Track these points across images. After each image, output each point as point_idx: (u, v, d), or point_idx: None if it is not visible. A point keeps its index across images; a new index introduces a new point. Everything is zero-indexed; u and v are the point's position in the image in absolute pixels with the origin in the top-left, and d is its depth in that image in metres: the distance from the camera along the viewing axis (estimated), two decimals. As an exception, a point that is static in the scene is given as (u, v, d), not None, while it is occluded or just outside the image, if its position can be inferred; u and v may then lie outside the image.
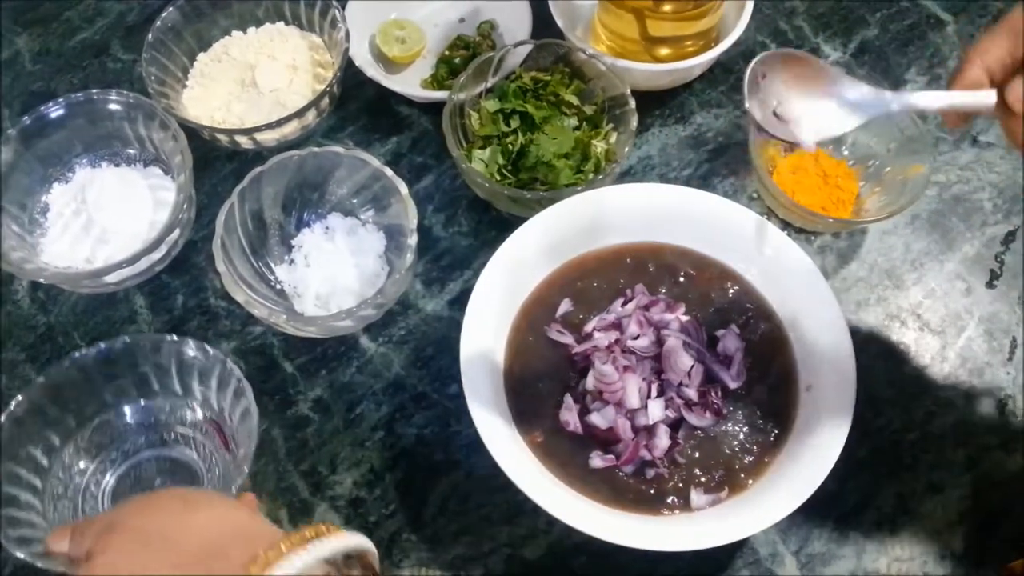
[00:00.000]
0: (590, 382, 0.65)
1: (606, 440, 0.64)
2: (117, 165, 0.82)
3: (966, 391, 0.72)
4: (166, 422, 0.71)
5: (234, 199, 0.70)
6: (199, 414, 0.71)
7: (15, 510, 0.63)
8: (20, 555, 0.59)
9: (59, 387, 0.66)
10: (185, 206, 0.75)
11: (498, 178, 0.75)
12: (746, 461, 0.64)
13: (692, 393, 0.65)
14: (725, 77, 0.87)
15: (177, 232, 0.76)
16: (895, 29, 0.90)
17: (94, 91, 0.79)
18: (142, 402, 0.70)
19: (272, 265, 0.76)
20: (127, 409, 0.70)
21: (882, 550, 0.66)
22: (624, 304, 0.69)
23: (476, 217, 0.80)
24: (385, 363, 0.74)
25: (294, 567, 0.39)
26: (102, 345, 0.67)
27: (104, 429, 0.70)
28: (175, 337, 0.67)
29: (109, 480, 0.69)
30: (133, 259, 0.72)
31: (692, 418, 0.65)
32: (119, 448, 0.70)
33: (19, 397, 0.64)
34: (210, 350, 0.67)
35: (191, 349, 0.67)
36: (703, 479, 0.63)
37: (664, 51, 0.84)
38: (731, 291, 0.70)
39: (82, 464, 0.69)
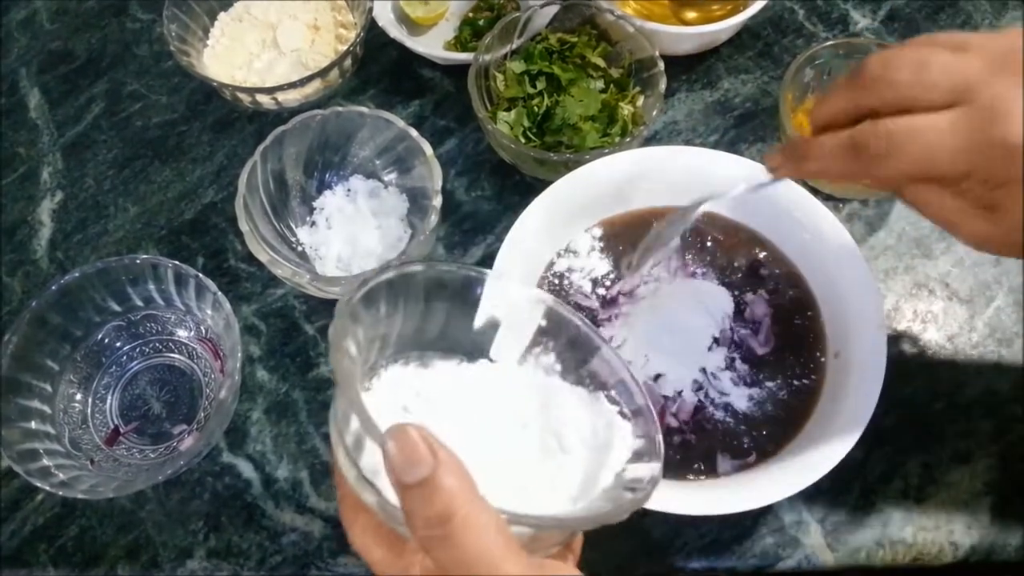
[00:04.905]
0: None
1: (631, 405, 0.64)
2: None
3: (994, 361, 0.71)
4: (155, 333, 0.73)
5: (256, 158, 0.70)
6: (191, 330, 0.73)
7: (30, 442, 0.64)
8: (46, 487, 0.61)
9: (45, 314, 0.68)
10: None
11: (523, 140, 0.74)
12: (773, 428, 0.63)
13: (718, 360, 0.65)
14: (753, 42, 0.85)
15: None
16: (926, -5, 0.89)
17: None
18: (128, 319, 0.73)
19: (293, 227, 0.75)
20: (112, 330, 0.72)
21: (908, 519, 0.65)
22: (650, 269, 0.69)
23: (499, 182, 0.79)
24: (407, 326, 0.73)
25: None
26: (77, 272, 0.68)
27: (92, 356, 0.72)
28: (145, 256, 0.69)
29: (112, 403, 0.71)
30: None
31: (719, 384, 0.64)
32: (108, 370, 0.72)
33: (10, 335, 0.65)
34: (183, 266, 0.68)
35: (165, 264, 0.68)
36: (730, 445, 0.63)
37: (691, 14, 0.83)
38: (759, 256, 0.69)
39: (79, 396, 0.70)
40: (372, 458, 0.37)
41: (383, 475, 0.35)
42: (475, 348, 0.49)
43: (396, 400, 0.44)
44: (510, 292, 0.49)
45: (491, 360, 0.49)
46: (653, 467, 0.42)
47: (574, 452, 0.45)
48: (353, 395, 0.35)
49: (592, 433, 0.45)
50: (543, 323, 0.49)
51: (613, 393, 0.47)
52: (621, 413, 0.46)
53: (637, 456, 0.44)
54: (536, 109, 0.75)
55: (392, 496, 0.36)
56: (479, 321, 0.48)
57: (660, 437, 0.44)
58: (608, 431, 0.45)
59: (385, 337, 0.45)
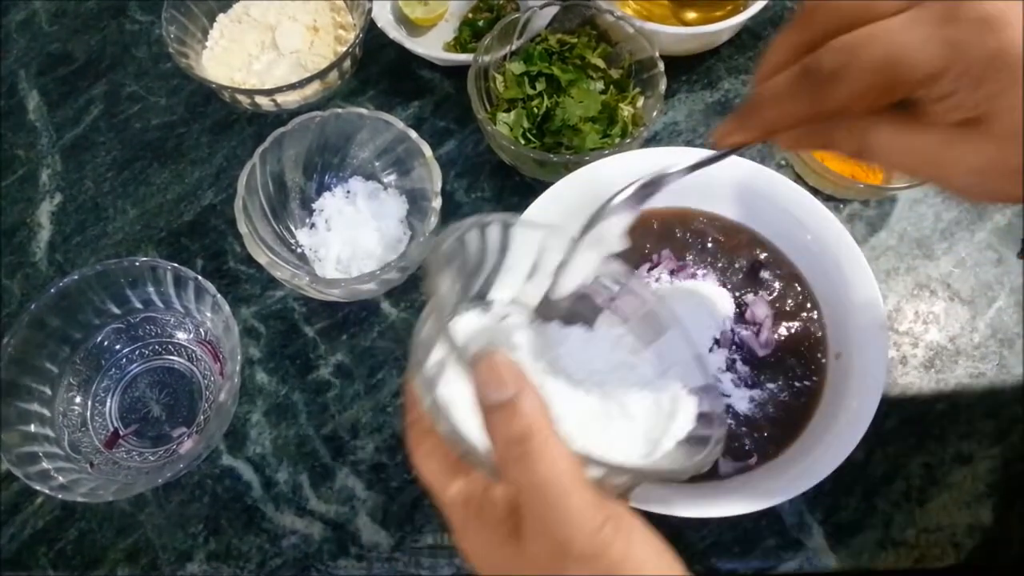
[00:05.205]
0: (616, 348, 0.65)
1: (632, 407, 0.64)
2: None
3: (996, 362, 0.71)
4: (154, 336, 0.73)
5: (256, 160, 0.69)
6: (190, 333, 0.73)
7: (29, 445, 0.64)
8: (45, 490, 0.60)
9: (44, 316, 0.67)
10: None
11: (523, 142, 0.74)
12: (774, 429, 0.63)
13: (719, 361, 0.65)
14: (753, 43, 0.85)
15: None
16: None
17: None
18: (127, 321, 0.72)
19: (292, 229, 0.75)
20: (112, 333, 0.72)
21: (909, 521, 0.65)
22: (650, 270, 0.68)
23: (499, 183, 0.79)
24: (406, 328, 0.73)
25: None
26: (76, 275, 0.67)
27: (91, 359, 0.71)
28: (144, 258, 0.69)
29: (111, 405, 0.71)
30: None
31: (720, 386, 0.64)
32: (107, 373, 0.72)
33: (9, 338, 0.65)
34: (182, 268, 0.67)
35: (164, 266, 0.68)
36: (731, 447, 0.62)
37: (691, 15, 0.83)
38: (760, 257, 0.69)
39: (78, 399, 0.70)
40: (448, 389, 0.39)
41: (457, 406, 0.38)
42: (551, 310, 0.51)
43: (470, 344, 0.46)
44: (591, 262, 0.50)
45: (562, 322, 0.51)
46: (716, 436, 0.44)
47: (637, 419, 0.46)
48: (444, 322, 0.37)
49: (655, 404, 0.47)
50: (618, 294, 0.51)
51: (679, 370, 0.48)
52: (686, 388, 0.47)
53: (700, 427, 0.45)
54: (536, 110, 0.75)
55: (462, 426, 0.38)
56: (558, 286, 0.50)
57: (723, 412, 0.46)
58: (672, 404, 0.46)
59: (470, 280, 0.47)
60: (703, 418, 0.46)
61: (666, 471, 0.43)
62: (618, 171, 0.69)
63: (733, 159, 0.69)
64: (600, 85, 0.77)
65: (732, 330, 0.66)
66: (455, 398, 0.39)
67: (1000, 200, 0.40)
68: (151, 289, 0.71)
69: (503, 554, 0.38)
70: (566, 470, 0.35)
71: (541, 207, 0.67)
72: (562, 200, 0.68)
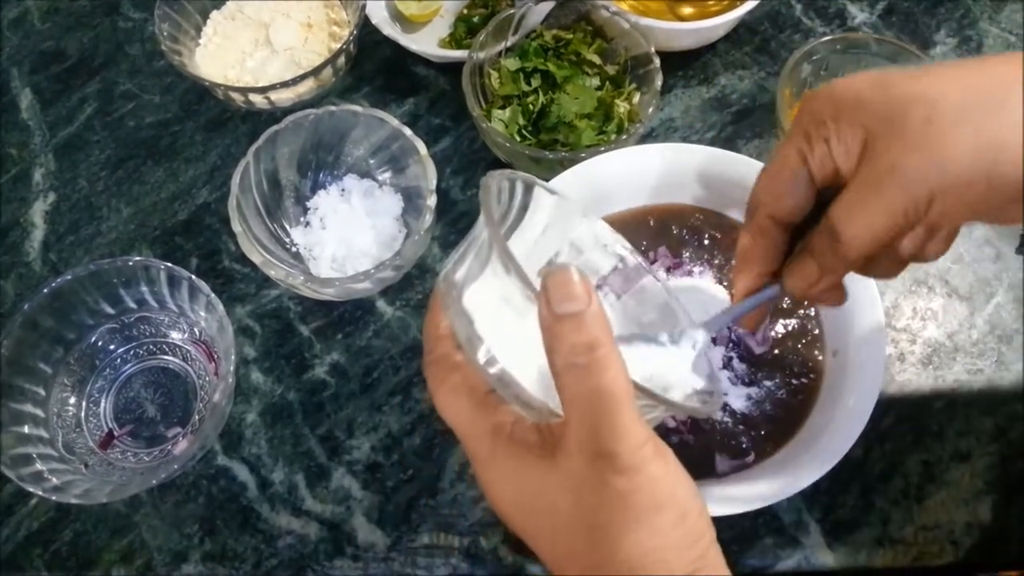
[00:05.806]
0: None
1: (628, 405, 0.63)
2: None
3: (994, 359, 0.70)
4: (148, 336, 0.73)
5: (249, 158, 0.69)
6: (184, 333, 0.72)
7: (23, 447, 0.64)
8: (39, 492, 0.60)
9: (37, 317, 0.67)
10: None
11: (518, 138, 0.74)
12: (771, 427, 0.63)
13: (716, 358, 0.64)
14: (750, 38, 0.85)
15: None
16: (925, -11, 0.88)
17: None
18: (121, 321, 0.72)
19: (287, 227, 0.75)
20: (106, 333, 0.72)
21: (908, 518, 0.65)
22: (646, 267, 0.68)
23: (494, 180, 0.79)
24: (402, 327, 0.73)
25: None
26: (69, 275, 0.67)
27: (85, 359, 0.71)
28: (138, 258, 0.68)
29: (105, 406, 0.71)
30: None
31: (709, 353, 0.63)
32: (102, 373, 0.72)
33: (2, 338, 0.64)
34: (176, 268, 0.67)
35: (158, 266, 0.68)
36: (728, 445, 0.62)
37: (687, 10, 0.83)
38: (757, 255, 0.68)
39: (73, 400, 0.70)
40: (482, 324, 0.39)
41: (491, 338, 0.38)
42: None
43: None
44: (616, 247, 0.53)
45: None
46: (716, 391, 0.46)
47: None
48: (503, 247, 0.36)
49: (653, 368, 0.47)
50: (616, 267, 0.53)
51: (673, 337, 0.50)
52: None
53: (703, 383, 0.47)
54: (531, 107, 0.74)
55: (501, 357, 0.38)
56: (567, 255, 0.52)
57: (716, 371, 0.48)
58: (668, 371, 0.47)
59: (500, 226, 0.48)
60: (702, 372, 0.47)
61: (690, 408, 0.44)
62: (614, 168, 0.69)
63: (729, 155, 0.69)
64: (596, 81, 0.76)
65: (729, 327, 0.66)
66: (490, 328, 0.39)
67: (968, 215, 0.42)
68: (145, 289, 0.70)
69: (535, 473, 0.38)
70: (624, 385, 0.35)
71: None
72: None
